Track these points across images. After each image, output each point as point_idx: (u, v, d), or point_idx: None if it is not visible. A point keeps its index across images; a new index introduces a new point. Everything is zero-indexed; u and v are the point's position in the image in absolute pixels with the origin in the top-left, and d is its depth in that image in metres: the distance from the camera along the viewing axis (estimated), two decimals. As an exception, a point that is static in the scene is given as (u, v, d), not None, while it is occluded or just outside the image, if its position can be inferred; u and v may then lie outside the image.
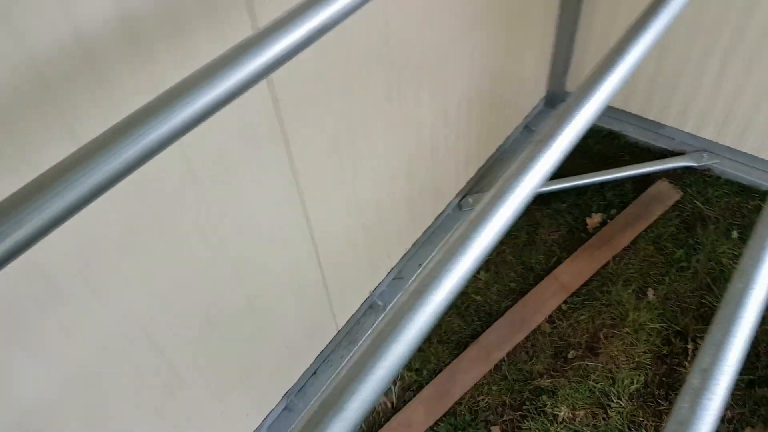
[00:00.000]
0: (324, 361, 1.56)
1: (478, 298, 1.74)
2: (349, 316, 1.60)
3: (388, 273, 1.68)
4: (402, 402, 1.56)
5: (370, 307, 1.66)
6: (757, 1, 1.51)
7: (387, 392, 1.60)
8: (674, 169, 1.88)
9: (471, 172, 1.87)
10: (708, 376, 0.49)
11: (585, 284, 1.70)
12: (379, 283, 1.66)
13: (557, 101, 2.09)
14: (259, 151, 1.02)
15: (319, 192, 1.22)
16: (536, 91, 2.06)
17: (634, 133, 1.97)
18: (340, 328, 1.58)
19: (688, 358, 1.54)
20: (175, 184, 0.88)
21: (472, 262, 0.57)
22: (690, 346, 1.56)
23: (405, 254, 1.72)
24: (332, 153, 1.20)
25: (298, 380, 1.49)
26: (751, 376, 1.48)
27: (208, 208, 0.96)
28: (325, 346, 1.54)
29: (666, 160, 1.87)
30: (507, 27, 1.61)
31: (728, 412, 1.45)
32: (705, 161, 1.85)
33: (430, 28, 1.30)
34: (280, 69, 0.57)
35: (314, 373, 1.54)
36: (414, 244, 1.74)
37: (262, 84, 0.95)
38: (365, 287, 1.62)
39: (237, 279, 1.11)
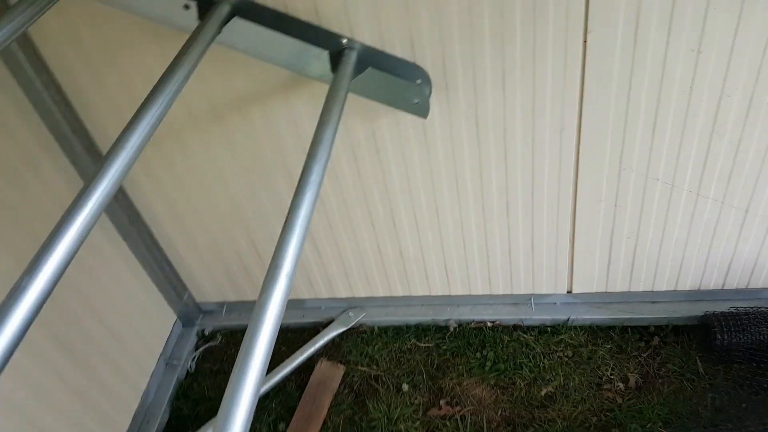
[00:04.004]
0: None
1: None
2: None
3: None
4: None
5: None
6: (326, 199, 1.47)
7: None
8: (331, 341, 1.77)
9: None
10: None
11: None
12: None
13: (193, 317, 1.87)
14: None
15: None
16: (165, 325, 1.81)
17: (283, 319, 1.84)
18: None
19: None
20: None
21: None
22: None
23: None
24: None
25: None
26: None
27: None
28: None
29: (318, 336, 1.76)
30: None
31: None
32: (353, 320, 1.78)
33: None
34: None
35: None
36: None
37: None
38: None
39: None
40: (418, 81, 1.23)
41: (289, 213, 0.87)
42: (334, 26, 1.17)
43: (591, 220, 1.48)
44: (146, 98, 0.92)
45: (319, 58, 1.16)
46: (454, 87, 1.25)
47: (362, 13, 1.14)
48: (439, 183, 1.44)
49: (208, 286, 1.83)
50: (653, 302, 1.66)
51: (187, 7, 1.12)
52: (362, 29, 1.17)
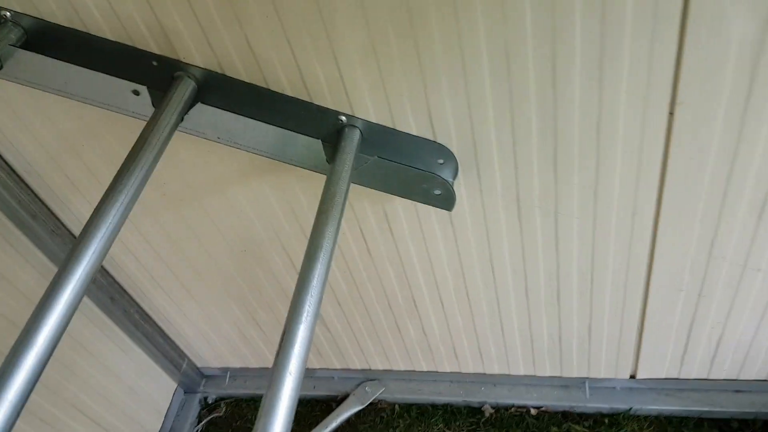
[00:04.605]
0: None
1: None
2: None
3: None
4: None
5: None
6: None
7: None
8: (346, 421, 1.55)
9: None
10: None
11: None
12: None
13: (195, 384, 1.67)
14: None
15: None
16: (164, 397, 1.62)
17: (290, 390, 1.62)
18: None
19: None
20: None
21: None
22: None
23: None
24: None
25: None
26: None
27: None
28: None
29: (331, 417, 1.53)
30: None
31: None
32: (371, 396, 1.54)
33: None
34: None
35: None
36: None
37: None
38: None
39: None
40: (440, 161, 0.93)
41: (288, 320, 0.69)
42: (328, 101, 0.88)
43: (666, 309, 1.18)
44: (108, 189, 0.74)
45: (311, 148, 0.88)
46: (488, 166, 0.94)
47: (363, 84, 0.85)
48: (471, 267, 1.16)
49: (208, 354, 1.62)
50: (737, 392, 1.36)
51: (136, 93, 0.85)
52: (364, 103, 0.87)
